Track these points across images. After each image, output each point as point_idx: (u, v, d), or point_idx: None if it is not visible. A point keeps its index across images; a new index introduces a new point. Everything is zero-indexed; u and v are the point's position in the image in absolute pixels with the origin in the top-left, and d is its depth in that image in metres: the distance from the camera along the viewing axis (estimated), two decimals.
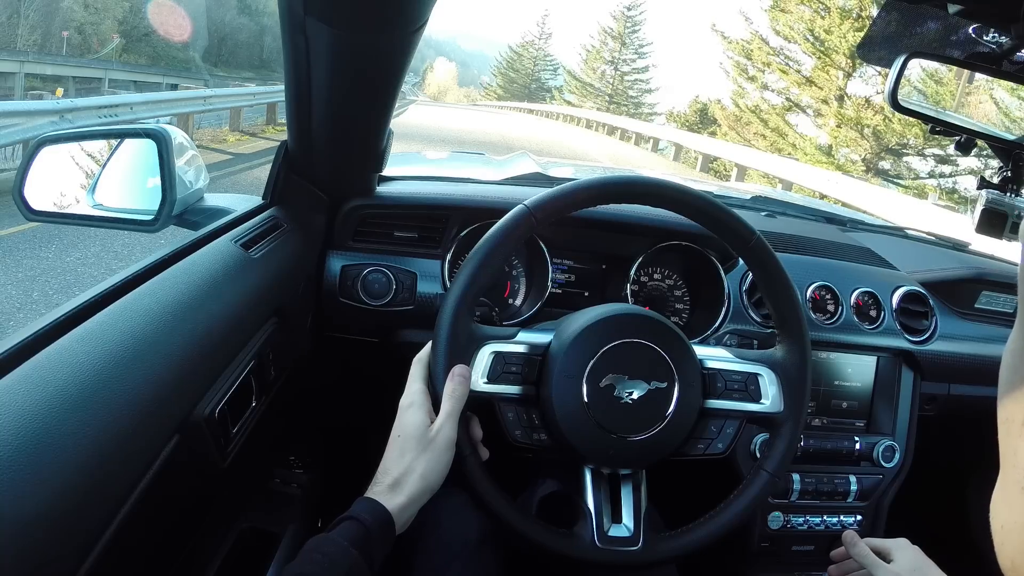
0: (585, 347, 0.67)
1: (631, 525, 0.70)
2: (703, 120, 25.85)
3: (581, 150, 14.93)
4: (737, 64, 16.74)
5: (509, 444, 0.69)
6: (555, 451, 0.71)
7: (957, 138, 0.86)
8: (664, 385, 0.68)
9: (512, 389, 0.68)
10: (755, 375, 0.73)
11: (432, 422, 0.63)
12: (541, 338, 0.71)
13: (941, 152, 13.43)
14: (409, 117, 17.21)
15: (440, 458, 0.62)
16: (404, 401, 0.64)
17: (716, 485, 0.82)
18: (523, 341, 0.70)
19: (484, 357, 0.67)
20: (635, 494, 0.71)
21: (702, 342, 1.00)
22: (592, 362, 0.67)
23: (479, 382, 0.67)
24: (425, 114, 20.65)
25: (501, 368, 0.68)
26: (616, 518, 0.70)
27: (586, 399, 0.66)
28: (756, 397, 0.73)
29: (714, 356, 0.74)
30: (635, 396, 0.67)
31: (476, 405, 0.66)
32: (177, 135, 0.84)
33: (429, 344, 0.67)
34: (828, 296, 1.07)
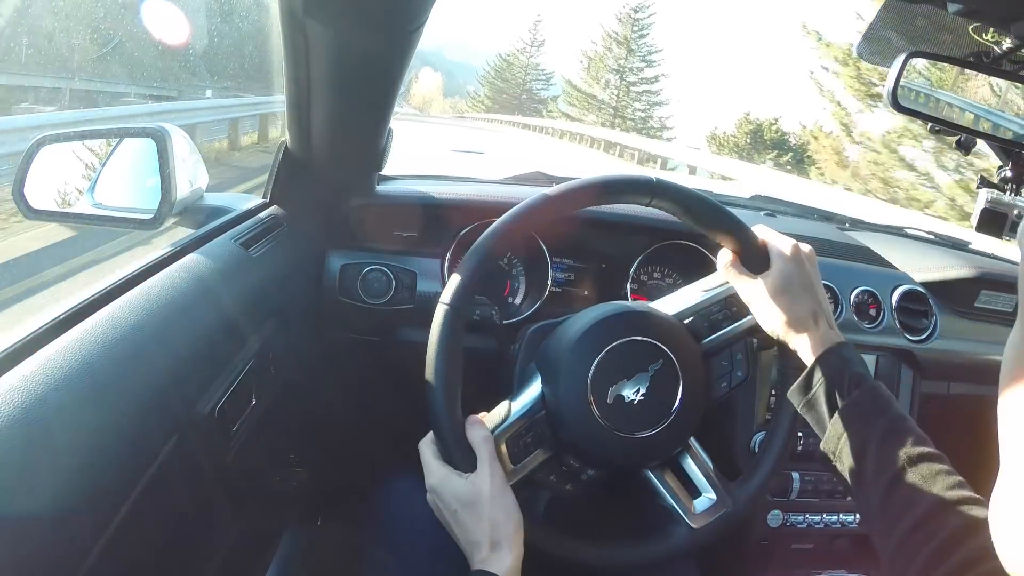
0: (575, 379, 0.67)
1: (711, 492, 0.71)
2: (756, 143, 22.36)
3: None
4: (853, 80, 9.96)
5: (568, 498, 0.70)
6: (610, 476, 0.72)
7: (957, 137, 0.86)
8: (660, 363, 0.68)
9: (538, 456, 0.68)
10: (729, 297, 0.74)
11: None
12: (531, 394, 0.69)
13: None
14: None
15: (507, 496, 0.62)
16: (434, 481, 0.63)
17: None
18: (519, 412, 0.68)
19: (500, 450, 0.66)
20: (696, 461, 0.72)
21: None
22: (589, 388, 0.66)
23: (508, 469, 0.66)
24: (407, 133, 18.59)
25: (518, 448, 0.67)
26: (694, 493, 0.71)
27: (605, 423, 0.66)
28: (744, 312, 0.73)
29: (683, 304, 0.74)
30: (643, 391, 0.68)
31: (518, 489, 0.65)
32: (177, 134, 0.84)
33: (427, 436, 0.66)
34: (827, 295, 1.06)
